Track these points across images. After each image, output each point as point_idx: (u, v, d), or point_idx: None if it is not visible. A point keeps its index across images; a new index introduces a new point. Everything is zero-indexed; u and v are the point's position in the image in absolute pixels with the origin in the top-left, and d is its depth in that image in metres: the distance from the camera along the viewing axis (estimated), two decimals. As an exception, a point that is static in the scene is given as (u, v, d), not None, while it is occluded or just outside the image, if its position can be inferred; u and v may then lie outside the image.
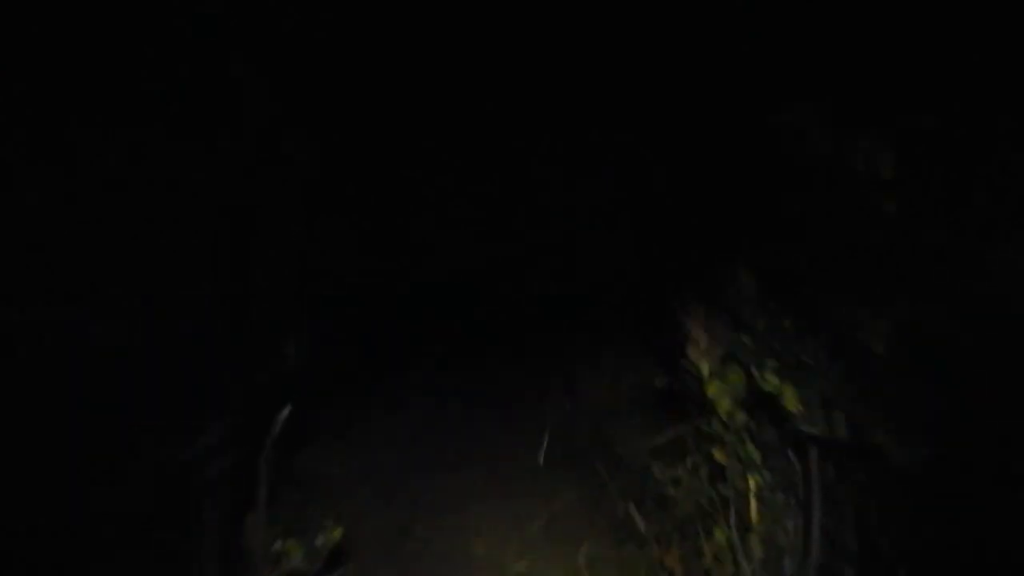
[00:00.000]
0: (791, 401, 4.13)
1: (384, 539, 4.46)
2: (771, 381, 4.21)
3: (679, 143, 4.96)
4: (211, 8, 4.79)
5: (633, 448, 4.69)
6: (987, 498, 3.67)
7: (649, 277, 5.15)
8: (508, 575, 4.30)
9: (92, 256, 4.45)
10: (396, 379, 5.20)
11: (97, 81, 4.70)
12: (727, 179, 4.86)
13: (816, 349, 4.23)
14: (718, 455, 4.30)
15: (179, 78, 4.75)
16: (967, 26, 4.14)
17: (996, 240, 4.18)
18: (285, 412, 4.30)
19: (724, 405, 4.31)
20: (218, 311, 4.64)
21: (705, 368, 4.43)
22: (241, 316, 4.76)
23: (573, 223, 5.28)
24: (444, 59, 5.07)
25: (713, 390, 4.33)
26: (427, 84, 5.08)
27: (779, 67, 4.64)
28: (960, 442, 3.78)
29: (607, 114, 5.10)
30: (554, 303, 5.33)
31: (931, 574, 3.72)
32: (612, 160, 5.13)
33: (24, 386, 4.28)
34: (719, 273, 4.72)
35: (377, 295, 5.27)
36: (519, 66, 5.07)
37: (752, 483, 4.16)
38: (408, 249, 5.23)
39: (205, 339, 4.56)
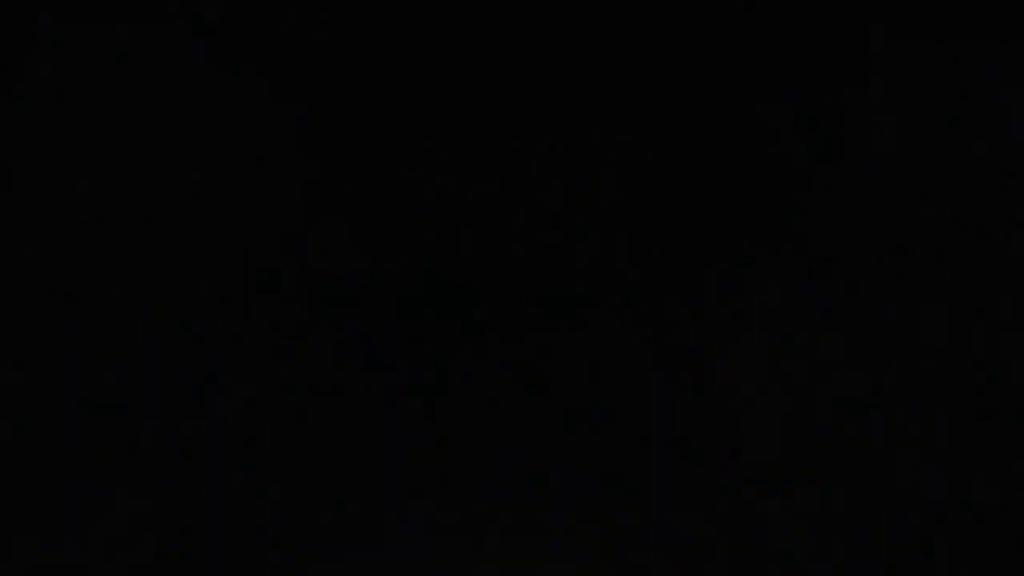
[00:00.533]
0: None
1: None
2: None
3: (678, 141, 4.95)
4: (211, 9, 4.79)
5: (653, 490, 4.38)
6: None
7: (655, 277, 5.13)
8: None
9: (91, 255, 4.45)
10: (392, 381, 5.17)
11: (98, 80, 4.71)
12: (727, 178, 4.86)
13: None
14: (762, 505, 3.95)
15: (178, 78, 4.75)
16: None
17: (996, 240, 4.17)
18: None
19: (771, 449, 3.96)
20: (217, 311, 4.64)
21: (742, 400, 4.14)
22: (241, 316, 4.76)
23: (574, 223, 5.27)
24: (443, 60, 5.06)
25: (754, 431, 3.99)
26: (427, 84, 5.08)
27: (777, 64, 4.63)
28: None
29: (607, 113, 5.10)
30: (554, 303, 5.31)
31: None
32: (612, 159, 5.13)
33: (25, 386, 4.29)
34: (738, 275, 4.64)
35: (376, 296, 5.26)
36: (520, 66, 5.07)
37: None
38: (407, 249, 5.22)
39: (205, 339, 4.57)
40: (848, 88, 4.52)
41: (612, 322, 5.20)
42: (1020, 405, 4.04)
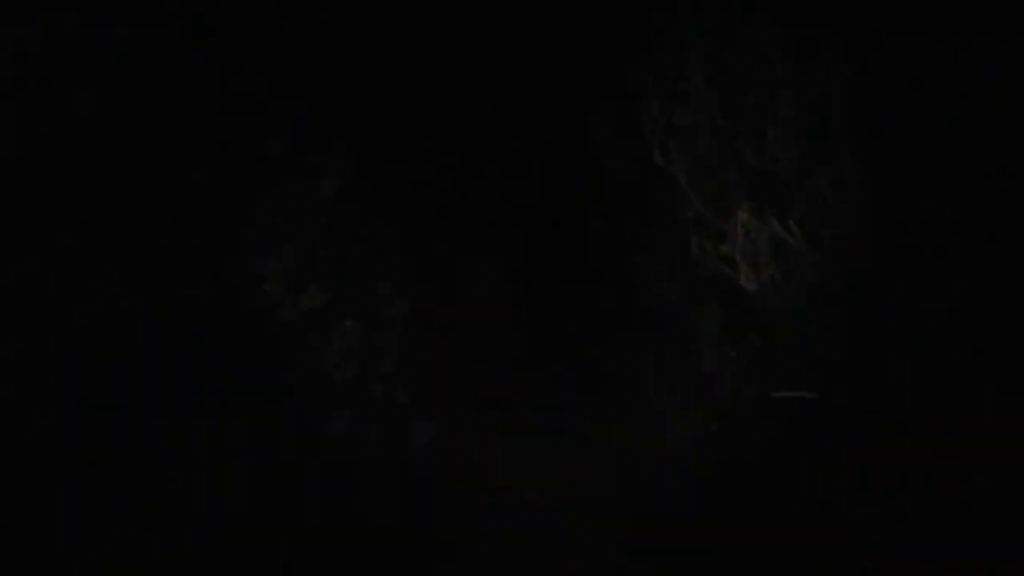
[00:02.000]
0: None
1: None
2: None
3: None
4: (215, 10, 4.80)
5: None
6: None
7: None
8: None
9: (91, 256, 4.45)
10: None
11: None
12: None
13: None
14: None
15: (178, 78, 4.75)
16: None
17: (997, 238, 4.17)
18: None
19: None
20: (217, 314, 4.62)
21: None
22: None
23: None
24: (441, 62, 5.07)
25: None
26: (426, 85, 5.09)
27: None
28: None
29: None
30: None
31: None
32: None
33: (24, 386, 4.28)
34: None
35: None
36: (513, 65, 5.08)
37: None
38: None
39: (205, 340, 4.55)
40: (848, 88, 4.53)
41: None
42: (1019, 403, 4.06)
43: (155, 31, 4.74)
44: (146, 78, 4.70)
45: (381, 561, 4.40)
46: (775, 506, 4.20)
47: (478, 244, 5.10)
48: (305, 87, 4.82)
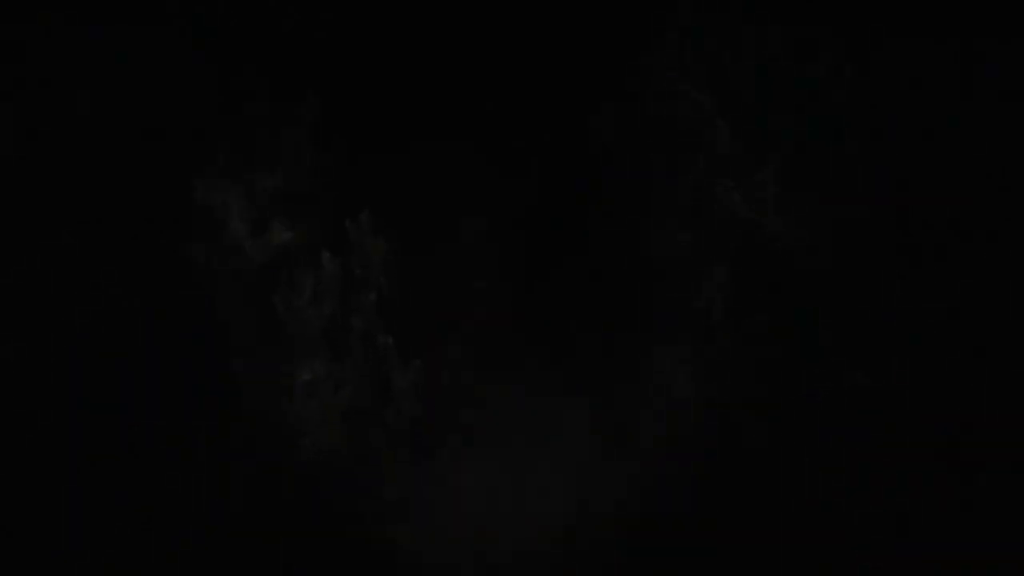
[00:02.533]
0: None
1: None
2: None
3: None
4: (215, 10, 4.80)
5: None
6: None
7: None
8: None
9: (91, 255, 4.45)
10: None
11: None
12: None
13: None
14: None
15: (177, 77, 4.75)
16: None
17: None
18: None
19: None
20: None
21: None
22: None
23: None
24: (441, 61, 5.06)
25: None
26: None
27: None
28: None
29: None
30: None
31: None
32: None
33: (23, 386, 4.28)
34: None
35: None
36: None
37: None
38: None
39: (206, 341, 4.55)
40: (850, 88, 4.53)
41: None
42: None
43: (155, 31, 4.74)
44: (146, 78, 4.70)
45: (377, 558, 4.41)
46: (774, 506, 4.20)
47: (478, 244, 5.10)
48: (304, 87, 4.83)
